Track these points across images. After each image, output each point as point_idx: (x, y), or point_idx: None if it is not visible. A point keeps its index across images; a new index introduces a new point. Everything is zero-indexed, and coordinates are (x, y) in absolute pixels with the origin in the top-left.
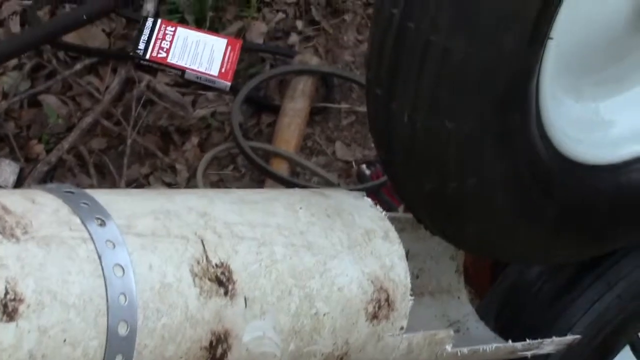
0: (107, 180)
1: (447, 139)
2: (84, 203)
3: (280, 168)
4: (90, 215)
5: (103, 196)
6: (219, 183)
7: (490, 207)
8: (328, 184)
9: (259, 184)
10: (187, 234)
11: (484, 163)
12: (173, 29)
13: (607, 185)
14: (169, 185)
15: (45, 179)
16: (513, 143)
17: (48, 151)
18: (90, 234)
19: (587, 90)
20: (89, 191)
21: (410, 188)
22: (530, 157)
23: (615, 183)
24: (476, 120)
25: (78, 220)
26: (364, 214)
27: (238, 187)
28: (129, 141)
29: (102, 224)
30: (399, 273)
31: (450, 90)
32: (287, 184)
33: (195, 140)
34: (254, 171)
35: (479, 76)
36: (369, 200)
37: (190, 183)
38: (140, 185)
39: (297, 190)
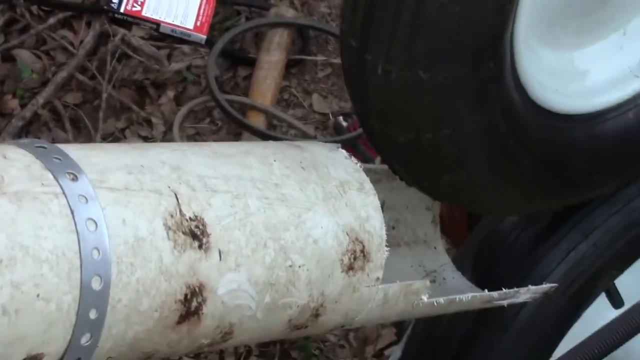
0: (83, 134)
1: (422, 90)
2: (56, 158)
3: (257, 121)
4: (62, 170)
5: (75, 151)
6: (196, 136)
7: (466, 158)
8: (305, 136)
9: (235, 137)
10: (161, 188)
11: (458, 114)
12: None
13: (582, 135)
14: (145, 139)
15: (21, 134)
16: (488, 93)
17: (23, 106)
18: (62, 188)
19: (562, 39)
20: (61, 146)
21: (385, 139)
22: (506, 108)
23: (590, 132)
24: (451, 70)
25: (50, 175)
26: (339, 166)
27: (214, 140)
28: (104, 95)
29: (75, 178)
30: (375, 224)
31: (424, 40)
32: (264, 136)
33: (171, 93)
34: (231, 124)
35: (454, 26)
36: (343, 152)
37: (166, 137)
38: (116, 139)
39: (271, 143)
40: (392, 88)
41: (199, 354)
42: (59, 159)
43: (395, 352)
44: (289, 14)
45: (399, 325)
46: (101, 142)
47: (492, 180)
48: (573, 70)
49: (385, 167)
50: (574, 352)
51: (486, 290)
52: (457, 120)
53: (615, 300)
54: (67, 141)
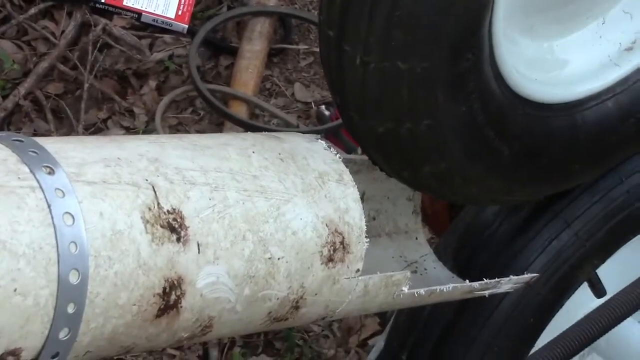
0: (65, 125)
1: (400, 80)
2: (33, 151)
3: (239, 110)
4: (38, 163)
5: (52, 144)
6: (178, 126)
7: (445, 149)
8: (287, 125)
9: (217, 126)
10: (138, 181)
11: (437, 104)
12: None
13: (562, 124)
14: (128, 130)
15: (2, 126)
16: (467, 83)
17: (4, 97)
18: (39, 182)
19: (541, 29)
20: (37, 139)
21: (364, 130)
22: (485, 98)
23: (570, 122)
24: (429, 61)
25: (26, 169)
26: (318, 157)
27: (197, 130)
28: (86, 85)
29: (51, 172)
30: (354, 216)
31: (402, 31)
32: (246, 126)
33: (153, 83)
34: (213, 114)
35: (432, 16)
36: (322, 143)
37: (149, 127)
38: (98, 130)
39: (250, 134)
40: (371, 79)
41: (181, 346)
42: (36, 153)
43: (379, 342)
44: (271, 2)
45: (383, 316)
46: (83, 132)
47: (471, 170)
48: (552, 59)
49: (365, 157)
50: (555, 343)
51: (467, 281)
52: (435, 110)
53: (598, 289)
54: (49, 132)
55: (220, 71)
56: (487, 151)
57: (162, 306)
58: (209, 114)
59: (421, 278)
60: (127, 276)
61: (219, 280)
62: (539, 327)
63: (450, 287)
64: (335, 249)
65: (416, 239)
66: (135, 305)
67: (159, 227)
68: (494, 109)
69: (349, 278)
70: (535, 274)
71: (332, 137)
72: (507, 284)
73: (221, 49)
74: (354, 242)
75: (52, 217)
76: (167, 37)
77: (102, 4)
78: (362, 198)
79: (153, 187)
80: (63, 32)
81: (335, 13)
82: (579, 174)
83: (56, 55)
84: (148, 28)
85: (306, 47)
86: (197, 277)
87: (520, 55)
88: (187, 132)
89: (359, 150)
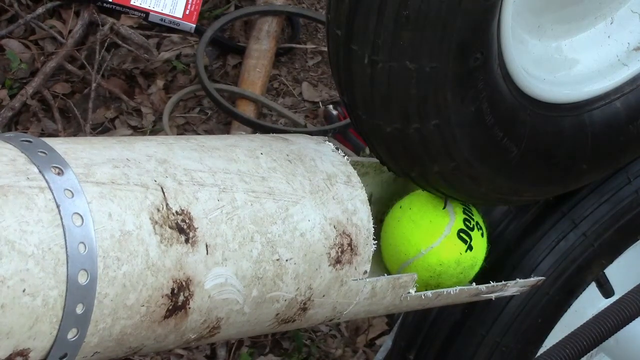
0: (72, 124)
1: (409, 80)
2: (41, 152)
3: (247, 110)
4: (47, 164)
5: (61, 145)
6: (185, 126)
7: (453, 148)
8: (295, 125)
9: (225, 126)
10: (147, 182)
11: (446, 104)
12: None
13: (570, 124)
14: (135, 129)
15: (10, 125)
16: (476, 83)
17: (12, 96)
18: (48, 183)
19: (550, 28)
20: (46, 140)
21: (372, 130)
22: (493, 97)
23: (578, 122)
24: (438, 60)
25: (35, 170)
26: (326, 159)
27: (204, 130)
28: (93, 85)
29: (60, 172)
30: (362, 217)
31: (410, 30)
32: (254, 125)
33: (160, 83)
34: (220, 113)
35: (440, 16)
36: (330, 145)
37: (156, 126)
38: (105, 130)
39: (258, 136)
40: (379, 78)
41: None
42: (45, 153)
43: (386, 342)
44: (279, 1)
45: (390, 316)
46: (91, 132)
47: (480, 170)
48: (561, 59)
49: (373, 160)
50: (564, 343)
51: (474, 284)
52: (444, 110)
53: (606, 289)
54: (56, 131)
55: (227, 70)
56: (496, 151)
57: (171, 307)
58: (217, 113)
59: None
60: (135, 277)
61: (227, 281)
62: (547, 327)
63: (457, 289)
64: (343, 251)
65: None
66: (143, 306)
67: (167, 228)
68: (503, 109)
69: (356, 280)
70: (542, 277)
71: (340, 136)
72: (513, 287)
73: (229, 48)
74: (362, 244)
75: (61, 218)
76: (174, 37)
77: (110, 3)
78: (369, 200)
79: (162, 188)
80: (70, 31)
81: (344, 12)
82: (587, 174)
83: (63, 55)
84: (155, 27)
85: (314, 46)
86: (206, 278)
87: (528, 54)
88: (195, 131)
89: (367, 150)
